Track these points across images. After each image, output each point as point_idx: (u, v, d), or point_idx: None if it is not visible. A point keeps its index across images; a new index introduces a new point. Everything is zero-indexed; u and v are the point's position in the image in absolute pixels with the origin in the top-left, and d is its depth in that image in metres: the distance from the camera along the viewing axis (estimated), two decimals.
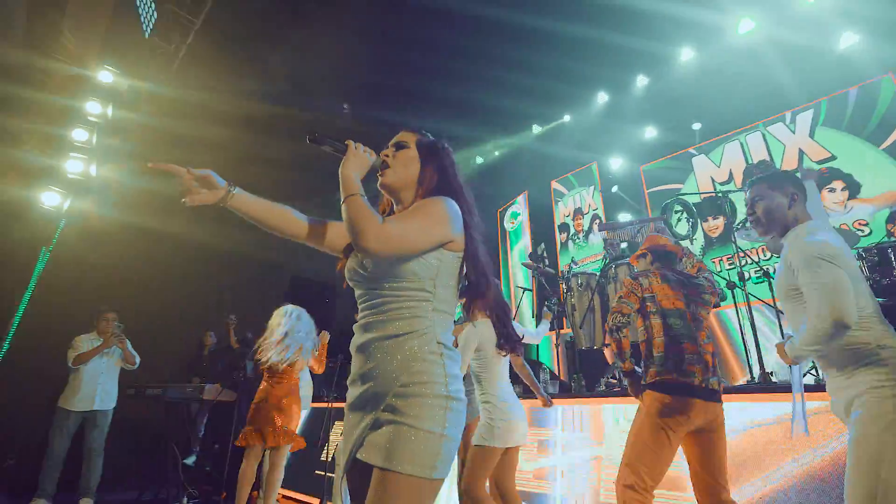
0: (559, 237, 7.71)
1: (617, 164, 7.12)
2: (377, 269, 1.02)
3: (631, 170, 6.95)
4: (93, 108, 5.79)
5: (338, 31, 5.25)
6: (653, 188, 6.69)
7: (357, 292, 1.07)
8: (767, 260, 5.25)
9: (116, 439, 3.95)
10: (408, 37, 6.77)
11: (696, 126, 6.33)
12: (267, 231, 1.16)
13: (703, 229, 5.96)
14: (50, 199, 5.42)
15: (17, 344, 4.93)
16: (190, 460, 4.72)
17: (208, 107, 5.44)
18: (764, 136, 5.77)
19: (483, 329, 2.26)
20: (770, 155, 5.66)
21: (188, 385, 4.04)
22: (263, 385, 3.11)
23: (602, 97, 7.43)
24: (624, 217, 6.65)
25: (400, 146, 1.17)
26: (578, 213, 7.59)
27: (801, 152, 5.44)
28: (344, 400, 1.06)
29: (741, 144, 5.94)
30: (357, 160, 1.07)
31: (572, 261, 6.11)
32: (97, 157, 5.57)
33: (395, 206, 1.19)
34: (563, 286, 4.18)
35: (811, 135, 5.42)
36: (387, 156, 1.15)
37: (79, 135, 5.68)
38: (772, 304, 3.27)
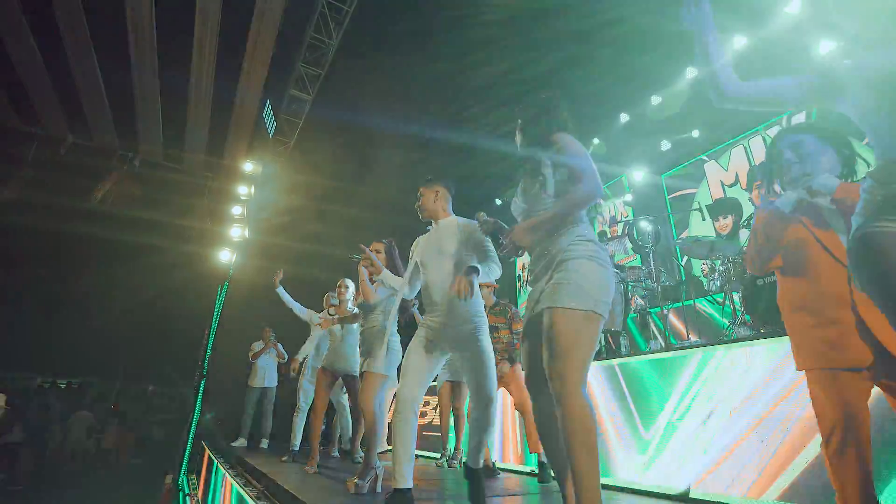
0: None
1: (639, 175, 7.99)
2: (368, 305, 2.74)
3: (654, 179, 7.79)
4: (242, 190, 8.50)
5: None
6: (673, 194, 7.48)
7: (364, 312, 2.82)
8: None
9: (277, 408, 6.23)
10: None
11: (695, 133, 7.07)
12: None
13: (715, 228, 6.67)
14: (224, 255, 8.17)
15: (215, 350, 7.67)
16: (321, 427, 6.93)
17: (309, 182, 7.87)
18: (764, 139, 6.35)
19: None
20: None
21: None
22: None
23: (623, 117, 8.35)
24: (649, 219, 7.50)
25: (377, 251, 2.88)
26: (613, 221, 8.57)
27: None
28: None
29: (745, 148, 6.56)
30: (367, 260, 2.82)
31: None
32: (248, 224, 8.25)
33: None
34: None
35: None
36: (375, 254, 2.89)
37: (236, 210, 8.41)
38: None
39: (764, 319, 3.14)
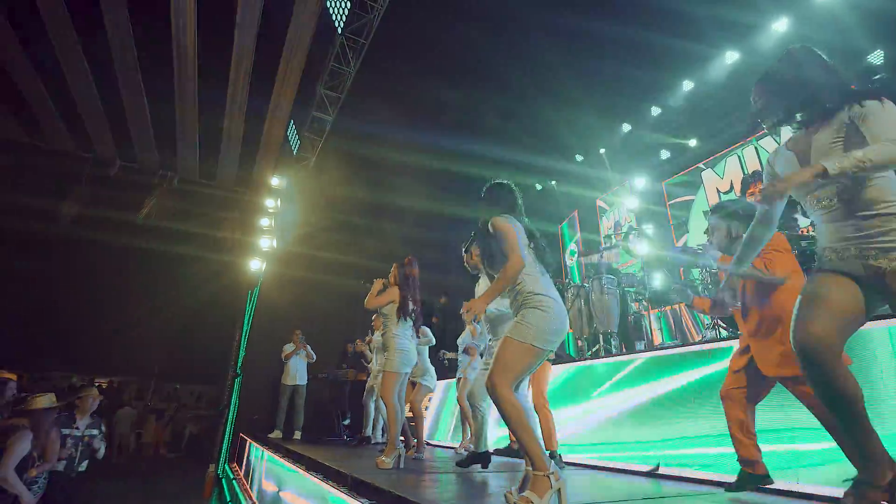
0: (603, 246, 9.18)
1: (642, 182, 8.41)
2: (384, 314, 3.34)
3: (655, 186, 8.20)
4: (269, 203, 9.20)
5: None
6: (673, 200, 7.89)
7: (382, 320, 3.42)
8: None
9: (307, 403, 6.88)
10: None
11: (693, 143, 7.45)
12: None
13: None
14: (254, 264, 8.88)
15: (250, 350, 8.40)
16: (346, 421, 7.58)
17: (331, 195, 8.57)
18: (756, 149, 6.72)
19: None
20: (762, 165, 6.60)
21: (339, 370, 6.84)
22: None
23: (625, 126, 8.77)
24: (648, 227, 7.93)
25: (392, 272, 3.48)
26: (617, 225, 9.00)
27: None
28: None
29: (739, 158, 6.94)
30: (379, 283, 3.45)
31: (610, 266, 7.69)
32: (276, 234, 8.95)
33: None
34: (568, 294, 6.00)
35: None
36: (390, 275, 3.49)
37: (264, 221, 9.11)
38: None
39: (732, 325, 3.62)
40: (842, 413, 1.39)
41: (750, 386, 2.15)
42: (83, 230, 8.42)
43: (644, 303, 5.00)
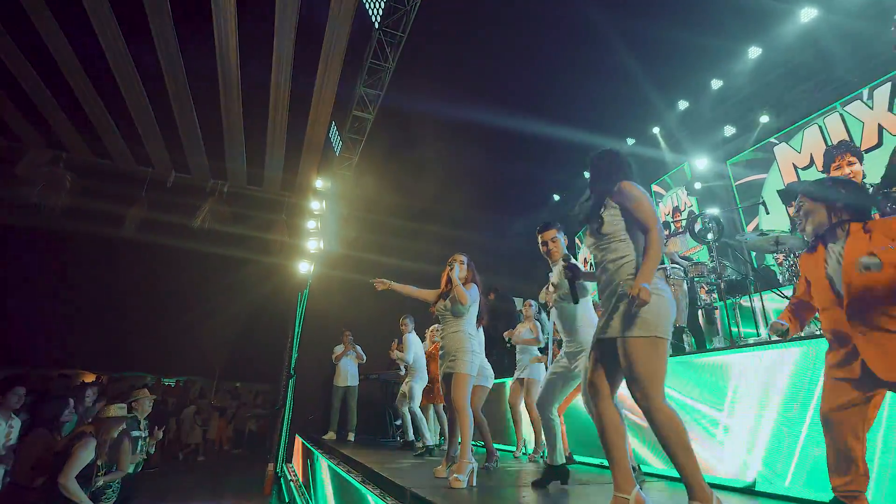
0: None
1: (703, 163, 7.73)
2: (448, 311, 3.12)
3: (718, 166, 7.50)
4: (315, 205, 9.30)
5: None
6: (739, 181, 7.18)
7: (441, 318, 3.20)
8: None
9: (359, 404, 6.88)
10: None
11: (764, 119, 6.70)
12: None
13: (789, 214, 6.33)
14: (302, 266, 9.02)
15: (302, 353, 8.55)
16: (398, 422, 7.52)
17: (374, 195, 8.54)
18: (842, 116, 5.95)
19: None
20: (850, 134, 5.82)
21: (391, 371, 6.77)
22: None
23: (683, 103, 8.09)
24: (713, 210, 7.25)
25: (461, 262, 3.24)
26: (676, 211, 8.36)
27: (881, 127, 5.53)
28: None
29: (820, 128, 6.17)
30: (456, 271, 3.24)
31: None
32: (323, 237, 9.04)
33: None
34: None
35: (890, 108, 5.47)
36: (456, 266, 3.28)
37: (310, 224, 9.23)
38: None
39: None
40: None
41: (858, 400, 1.69)
42: (147, 236, 8.91)
43: (715, 294, 4.51)
